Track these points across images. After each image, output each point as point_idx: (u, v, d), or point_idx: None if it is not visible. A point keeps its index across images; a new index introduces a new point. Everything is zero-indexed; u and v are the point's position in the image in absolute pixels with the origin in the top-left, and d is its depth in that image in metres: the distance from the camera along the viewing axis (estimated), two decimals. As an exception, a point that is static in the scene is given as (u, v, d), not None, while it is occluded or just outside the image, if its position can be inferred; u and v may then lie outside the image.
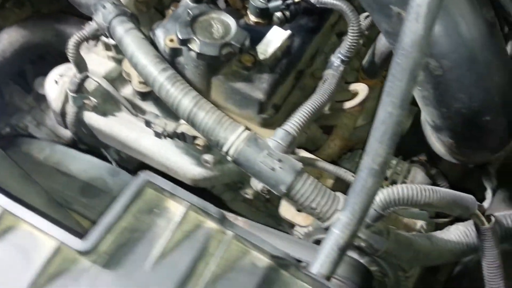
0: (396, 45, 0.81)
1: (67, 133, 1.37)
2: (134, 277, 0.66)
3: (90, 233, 0.63)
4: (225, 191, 1.49)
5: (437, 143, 1.13)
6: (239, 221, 1.25)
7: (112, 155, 1.39)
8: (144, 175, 0.68)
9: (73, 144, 1.39)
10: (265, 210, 1.40)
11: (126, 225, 0.65)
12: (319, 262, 0.82)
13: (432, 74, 0.96)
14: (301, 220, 1.11)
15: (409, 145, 1.32)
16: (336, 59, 1.20)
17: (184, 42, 1.07)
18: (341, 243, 0.81)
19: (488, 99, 0.98)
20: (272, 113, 1.15)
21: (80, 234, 0.63)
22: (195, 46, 1.07)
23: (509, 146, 1.12)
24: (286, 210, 1.12)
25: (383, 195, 0.94)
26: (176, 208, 0.67)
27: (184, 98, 1.01)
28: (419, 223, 1.21)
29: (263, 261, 0.71)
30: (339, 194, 1.01)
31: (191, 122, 1.03)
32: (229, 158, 1.02)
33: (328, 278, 0.81)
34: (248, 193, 1.30)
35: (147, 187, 0.68)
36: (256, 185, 1.12)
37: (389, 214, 0.98)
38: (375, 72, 1.31)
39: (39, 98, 1.49)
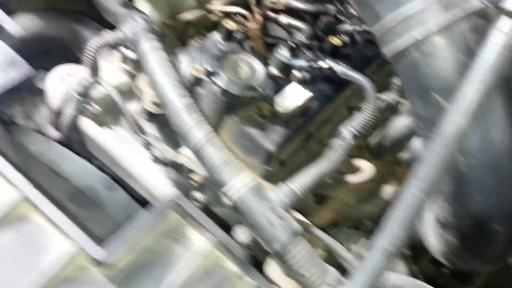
0: (428, 132, 0.82)
1: (53, 133, 1.30)
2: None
3: (109, 244, 0.58)
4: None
5: (436, 240, 1.12)
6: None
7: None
8: (174, 197, 0.64)
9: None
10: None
11: (146, 245, 0.60)
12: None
13: (458, 170, 0.97)
14: (286, 286, 1.07)
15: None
16: (346, 131, 1.19)
17: (211, 74, 1.06)
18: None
19: (502, 207, 0.99)
20: (276, 167, 1.13)
21: (100, 239, 0.57)
22: (221, 81, 1.06)
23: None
24: (273, 271, 1.07)
25: None
26: (197, 239, 0.63)
27: (197, 129, 0.98)
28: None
29: None
30: (330, 267, 0.98)
31: (199, 155, 0.99)
32: (228, 201, 0.99)
33: None
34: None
35: (172, 210, 0.64)
36: (241, 237, 1.08)
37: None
38: (381, 154, 1.32)
39: (34, 91, 1.42)
